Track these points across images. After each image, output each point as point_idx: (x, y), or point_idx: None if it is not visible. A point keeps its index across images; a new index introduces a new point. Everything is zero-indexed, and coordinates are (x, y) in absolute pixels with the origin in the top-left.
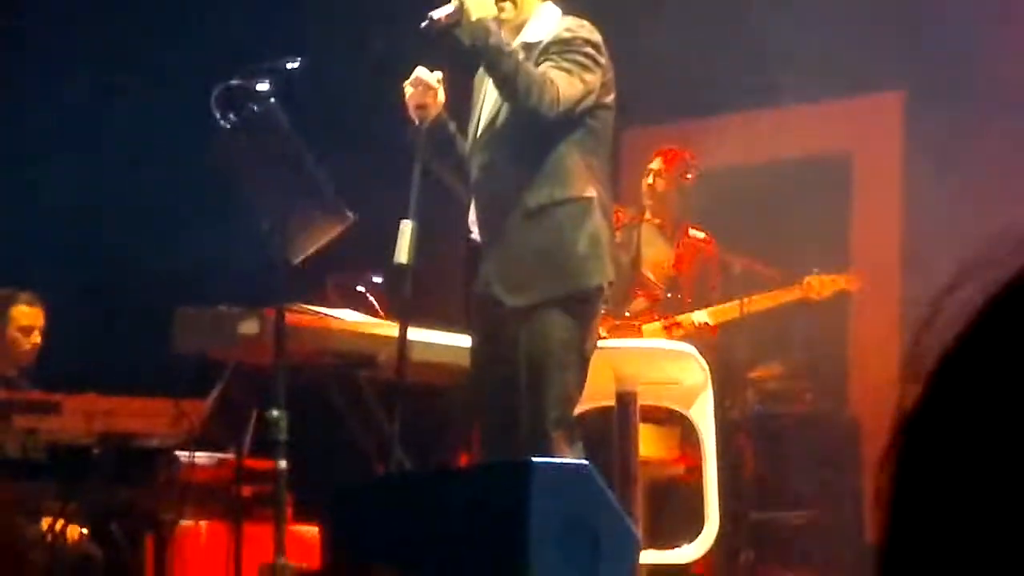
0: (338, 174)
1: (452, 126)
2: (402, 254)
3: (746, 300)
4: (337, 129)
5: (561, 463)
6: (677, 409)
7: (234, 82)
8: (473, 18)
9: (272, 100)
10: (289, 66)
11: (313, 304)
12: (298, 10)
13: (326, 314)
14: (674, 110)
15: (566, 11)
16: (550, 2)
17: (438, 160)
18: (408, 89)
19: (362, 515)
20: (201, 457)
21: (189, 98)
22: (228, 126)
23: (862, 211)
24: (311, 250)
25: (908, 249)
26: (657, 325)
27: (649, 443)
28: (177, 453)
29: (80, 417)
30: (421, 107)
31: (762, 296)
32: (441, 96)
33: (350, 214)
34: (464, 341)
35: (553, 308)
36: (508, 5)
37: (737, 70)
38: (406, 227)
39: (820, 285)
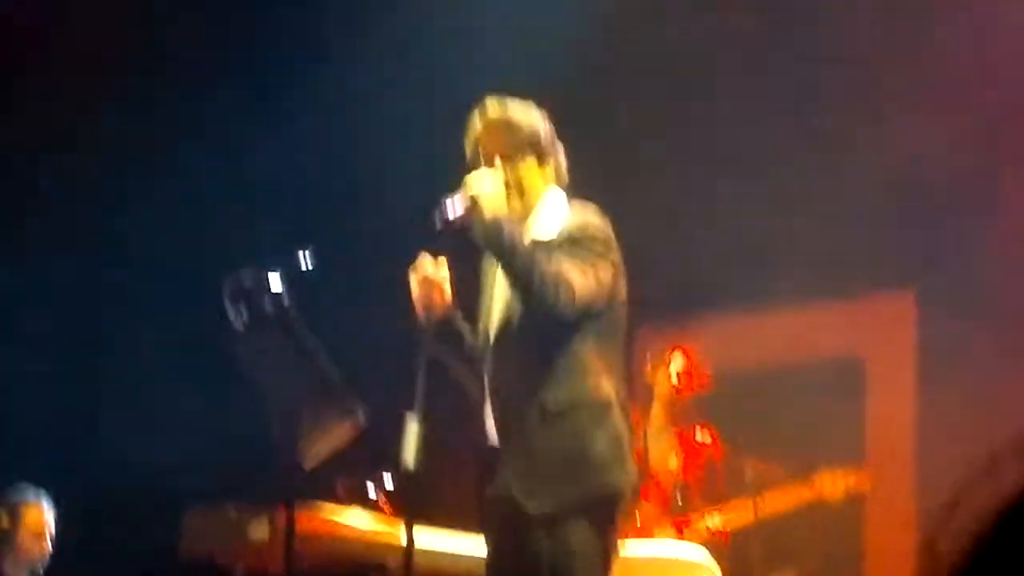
0: (347, 371)
1: (460, 319)
2: (408, 457)
3: (759, 500)
4: (343, 324)
5: None
6: None
7: (246, 278)
8: (487, 216)
9: (285, 299)
10: (302, 263)
11: (322, 503)
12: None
13: (336, 518)
14: (682, 311)
15: (571, 196)
16: (556, 187)
17: (448, 356)
18: (414, 284)
19: None
20: None
21: (184, 289)
22: (240, 323)
23: (875, 414)
24: (325, 454)
25: (923, 452)
26: (670, 531)
27: None
28: None
29: None
30: (427, 302)
31: (774, 495)
32: (448, 290)
33: (362, 415)
34: (475, 546)
35: (578, 517)
36: (515, 195)
37: (744, 270)
38: (412, 426)
39: (832, 483)
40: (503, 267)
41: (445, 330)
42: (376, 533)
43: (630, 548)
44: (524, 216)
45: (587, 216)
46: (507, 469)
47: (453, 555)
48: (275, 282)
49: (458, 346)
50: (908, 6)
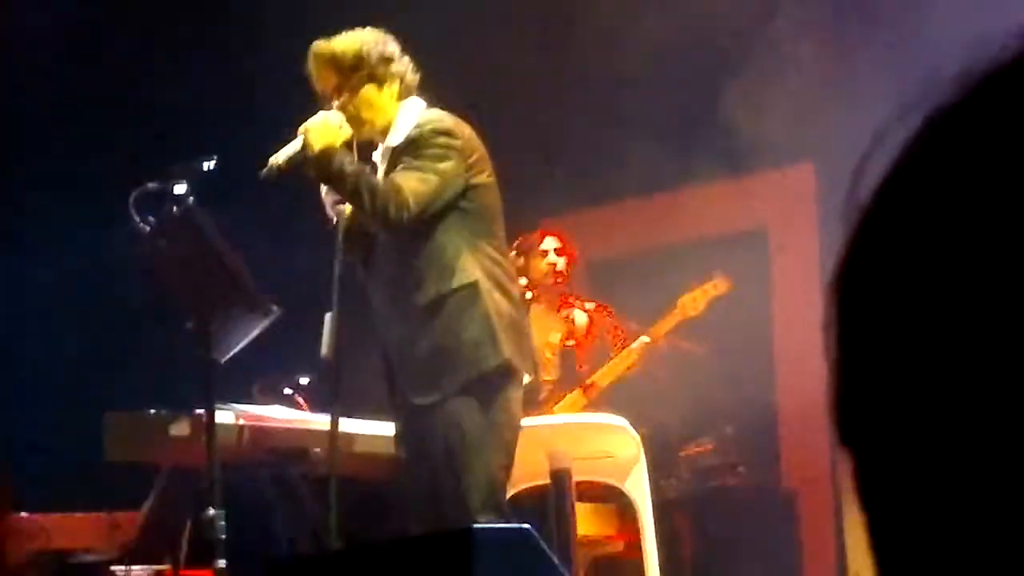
0: (263, 270)
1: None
2: (325, 347)
3: (641, 338)
4: (260, 224)
5: (502, 528)
6: (612, 483)
7: (151, 185)
8: (315, 150)
9: (191, 201)
10: (206, 165)
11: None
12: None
13: (255, 412)
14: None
15: (432, 103)
16: (415, 97)
17: (361, 253)
18: (324, 188)
19: None
20: (137, 571)
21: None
22: (147, 229)
23: (780, 284)
24: (238, 347)
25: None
26: (575, 395)
27: (586, 521)
28: (113, 568)
29: (13, 538)
30: (338, 203)
31: (652, 329)
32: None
33: (275, 308)
34: (387, 430)
35: (457, 397)
36: (361, 121)
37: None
38: (329, 321)
39: (692, 300)
40: (337, 193)
41: (355, 227)
42: (297, 421)
43: (554, 418)
44: (383, 130)
45: (430, 116)
46: (395, 366)
47: (372, 439)
48: (180, 187)
49: (370, 242)
50: None
